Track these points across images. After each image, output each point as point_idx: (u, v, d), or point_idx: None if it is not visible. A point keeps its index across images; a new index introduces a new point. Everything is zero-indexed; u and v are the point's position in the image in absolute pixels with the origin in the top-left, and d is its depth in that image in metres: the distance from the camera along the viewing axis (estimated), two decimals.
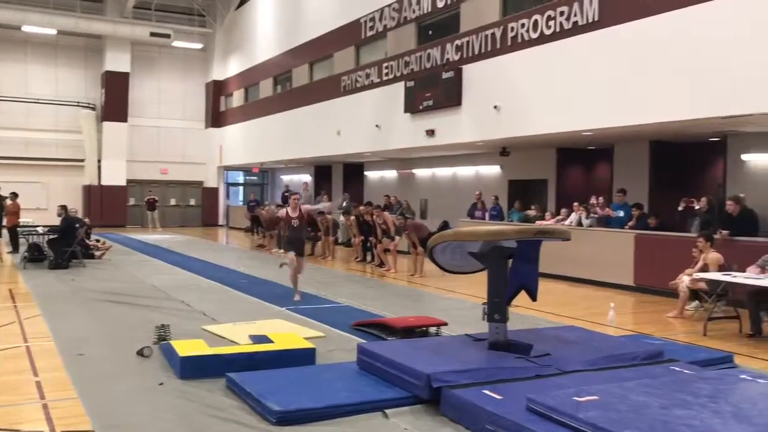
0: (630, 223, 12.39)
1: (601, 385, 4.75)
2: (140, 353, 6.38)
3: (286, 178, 28.79)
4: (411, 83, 16.33)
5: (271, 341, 6.39)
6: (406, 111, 16.49)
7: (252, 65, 26.85)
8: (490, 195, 16.71)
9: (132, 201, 28.79)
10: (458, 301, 10.04)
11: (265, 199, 28.86)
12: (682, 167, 13.89)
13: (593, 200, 13.69)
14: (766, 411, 4.37)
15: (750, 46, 9.27)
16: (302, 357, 6.03)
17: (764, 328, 8.03)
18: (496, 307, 5.78)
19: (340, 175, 25.02)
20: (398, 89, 16.81)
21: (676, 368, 5.65)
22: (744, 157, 12.36)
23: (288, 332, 7.08)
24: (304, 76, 22.57)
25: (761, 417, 4.23)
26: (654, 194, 13.85)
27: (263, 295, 10.25)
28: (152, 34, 27.16)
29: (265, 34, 25.76)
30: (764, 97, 9.12)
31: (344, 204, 19.64)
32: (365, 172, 23.94)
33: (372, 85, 18.31)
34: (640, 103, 10.77)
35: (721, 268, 8.93)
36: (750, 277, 8.12)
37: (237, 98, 28.70)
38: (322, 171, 26.20)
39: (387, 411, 4.82)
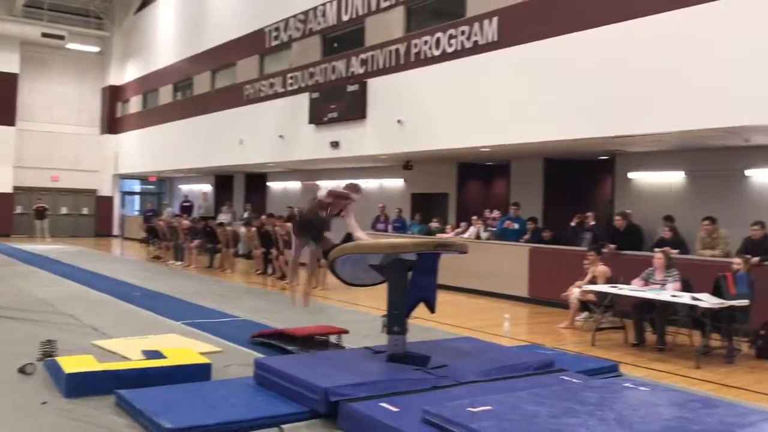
0: (525, 237, 12.83)
1: (494, 395, 4.87)
2: (22, 371, 6.01)
3: (185, 188, 28.03)
4: (316, 95, 16.32)
5: (165, 356, 6.18)
6: (310, 122, 16.46)
7: (151, 71, 26.06)
8: (393, 207, 16.89)
9: (19, 209, 27.20)
10: (360, 314, 10.06)
11: (163, 209, 27.95)
12: (573, 184, 14.53)
13: (487, 213, 14.13)
14: (647, 417, 4.60)
15: (632, 72, 9.85)
16: (197, 372, 5.86)
17: (647, 338, 8.48)
18: (396, 320, 5.83)
19: (241, 186, 24.62)
20: (303, 100, 16.75)
21: (566, 377, 5.87)
22: (630, 175, 13.07)
23: (183, 347, 6.87)
24: (206, 83, 22.12)
25: (642, 423, 4.46)
26: (547, 209, 14.41)
27: (158, 308, 9.90)
28: (44, 35, 25.90)
29: (166, 39, 25.09)
30: (646, 119, 9.71)
31: (246, 215, 19.34)
32: (268, 183, 23.66)
33: (276, 95, 18.17)
34: (534, 121, 11.21)
35: (609, 281, 9.39)
36: (634, 290, 8.57)
37: (134, 104, 27.76)
38: (223, 181, 25.69)
39: (283, 426, 4.76)
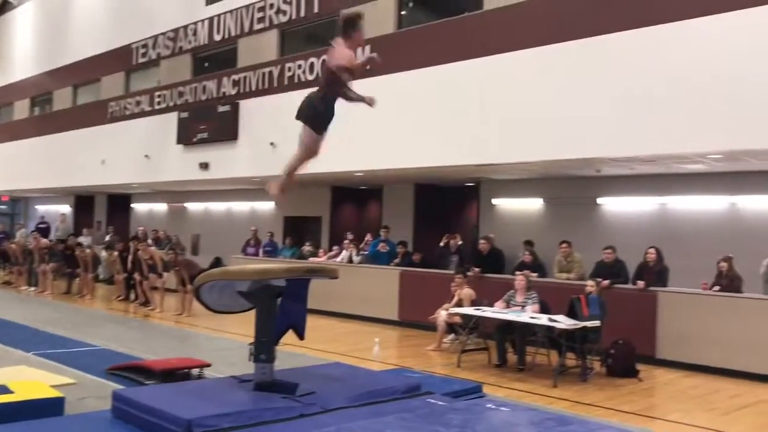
0: (396, 261, 13.05)
1: (361, 421, 4.89)
2: None
3: (41, 209, 26.25)
4: (185, 114, 15.90)
5: (12, 391, 5.72)
6: (178, 142, 15.99)
7: (7, 83, 24.39)
8: (265, 231, 16.66)
9: None
10: (227, 341, 9.80)
11: (16, 230, 26.01)
12: (442, 208, 14.97)
13: (368, 237, 14.25)
14: None
15: (493, 104, 10.38)
16: (48, 407, 5.45)
17: (509, 359, 8.82)
18: (263, 347, 5.72)
19: (103, 207, 23.42)
20: (171, 119, 16.26)
21: (432, 400, 5.99)
22: (494, 201, 13.66)
23: (32, 380, 6.39)
24: (67, 99, 20.98)
25: None
26: (418, 233, 14.75)
27: (6, 338, 9.15)
28: None
29: (24, 50, 23.61)
30: (508, 150, 10.23)
31: (107, 238, 18.40)
32: (132, 204, 22.68)
33: (143, 114, 17.53)
34: (403, 148, 11.51)
35: (474, 303, 9.72)
36: (497, 312, 8.92)
37: None
38: (83, 201, 24.29)
39: None
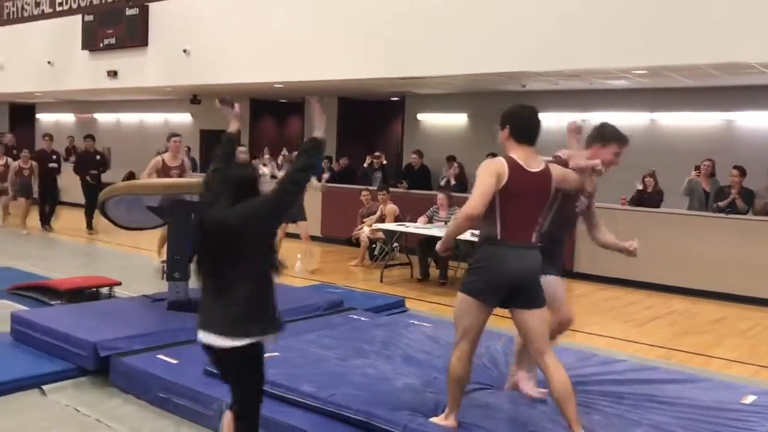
0: (324, 176, 12.73)
1: (282, 340, 4.69)
2: None
3: None
4: (90, 17, 14.71)
5: None
6: (84, 48, 14.84)
7: None
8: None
9: None
10: (141, 258, 9.38)
11: None
12: (366, 123, 14.65)
13: (284, 152, 13.81)
14: (432, 352, 4.72)
15: (418, 14, 9.93)
16: None
17: (431, 273, 8.82)
18: (177, 265, 5.43)
19: (5, 117, 21.88)
20: (75, 23, 15.04)
21: (355, 316, 5.89)
22: (419, 116, 13.41)
23: None
24: None
25: (427, 358, 4.57)
26: (341, 148, 14.43)
27: None
28: None
29: None
30: (433, 62, 9.90)
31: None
32: (37, 115, 21.28)
33: (42, 16, 16.15)
34: (325, 59, 10.99)
35: (397, 219, 9.62)
36: (420, 227, 8.84)
37: None
38: None
39: (45, 387, 4.24)
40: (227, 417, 3.05)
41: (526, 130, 3.39)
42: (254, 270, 2.89)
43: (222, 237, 2.85)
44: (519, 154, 3.34)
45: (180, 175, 7.96)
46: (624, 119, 10.84)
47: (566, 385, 3.24)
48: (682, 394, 4.13)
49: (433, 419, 3.50)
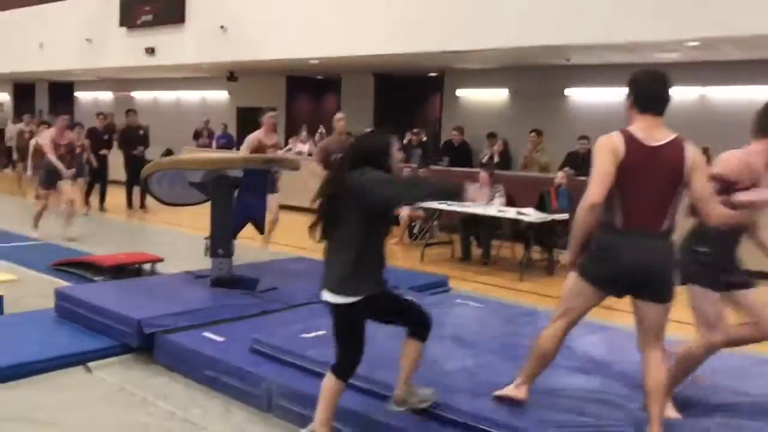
0: None
1: (327, 319, 4.59)
2: None
3: None
4: None
5: None
6: (121, 25, 14.88)
7: None
8: (218, 122, 15.93)
9: None
10: (182, 235, 9.35)
11: None
12: (403, 100, 14.42)
13: (321, 129, 13.69)
14: (479, 333, 4.58)
15: None
16: None
17: (473, 252, 8.65)
18: (220, 242, 5.36)
19: (45, 96, 22.15)
20: (113, 0, 15.06)
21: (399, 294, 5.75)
22: (458, 92, 13.15)
23: None
24: None
25: (476, 338, 4.43)
26: (378, 125, 14.24)
27: None
28: None
29: None
30: (474, 36, 9.64)
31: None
32: (75, 93, 21.47)
33: None
34: (362, 34, 10.82)
35: None
36: (462, 206, 8.64)
37: None
38: (23, 90, 22.91)
39: (90, 364, 4.20)
40: (328, 377, 3.20)
41: (649, 97, 3.01)
42: (363, 233, 3.11)
43: (344, 200, 3.08)
44: (640, 125, 2.97)
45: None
46: (674, 94, 10.51)
47: (660, 385, 3.02)
48: None
49: (501, 391, 3.33)
